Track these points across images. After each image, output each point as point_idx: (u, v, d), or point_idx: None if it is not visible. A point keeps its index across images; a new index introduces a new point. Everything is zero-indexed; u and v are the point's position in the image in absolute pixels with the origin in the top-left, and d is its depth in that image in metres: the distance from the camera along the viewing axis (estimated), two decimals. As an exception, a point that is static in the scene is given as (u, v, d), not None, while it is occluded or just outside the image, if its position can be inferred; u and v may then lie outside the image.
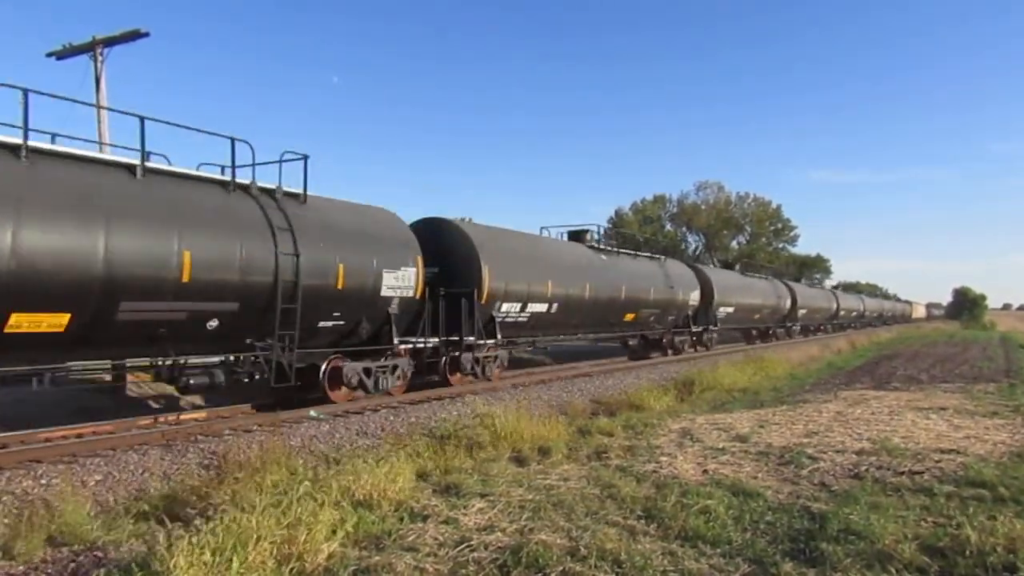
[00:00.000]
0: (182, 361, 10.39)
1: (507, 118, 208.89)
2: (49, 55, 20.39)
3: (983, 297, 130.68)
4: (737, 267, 40.65)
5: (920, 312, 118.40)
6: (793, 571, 5.10)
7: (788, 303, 41.03)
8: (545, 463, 8.70)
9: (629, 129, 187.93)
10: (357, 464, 7.44)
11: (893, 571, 5.03)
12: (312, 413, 11.81)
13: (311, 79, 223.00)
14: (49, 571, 5.56)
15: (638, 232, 64.29)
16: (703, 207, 72.21)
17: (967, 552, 5.27)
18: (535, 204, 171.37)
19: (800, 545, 5.68)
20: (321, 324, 12.02)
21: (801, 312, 43.57)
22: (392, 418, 11.79)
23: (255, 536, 5.01)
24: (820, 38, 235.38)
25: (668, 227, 72.43)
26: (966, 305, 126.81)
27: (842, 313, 49.66)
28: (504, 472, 8.10)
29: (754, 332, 39.09)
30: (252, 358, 11.10)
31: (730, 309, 31.44)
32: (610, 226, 68.24)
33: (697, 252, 69.87)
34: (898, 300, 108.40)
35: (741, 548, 5.61)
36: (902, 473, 8.11)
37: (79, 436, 9.82)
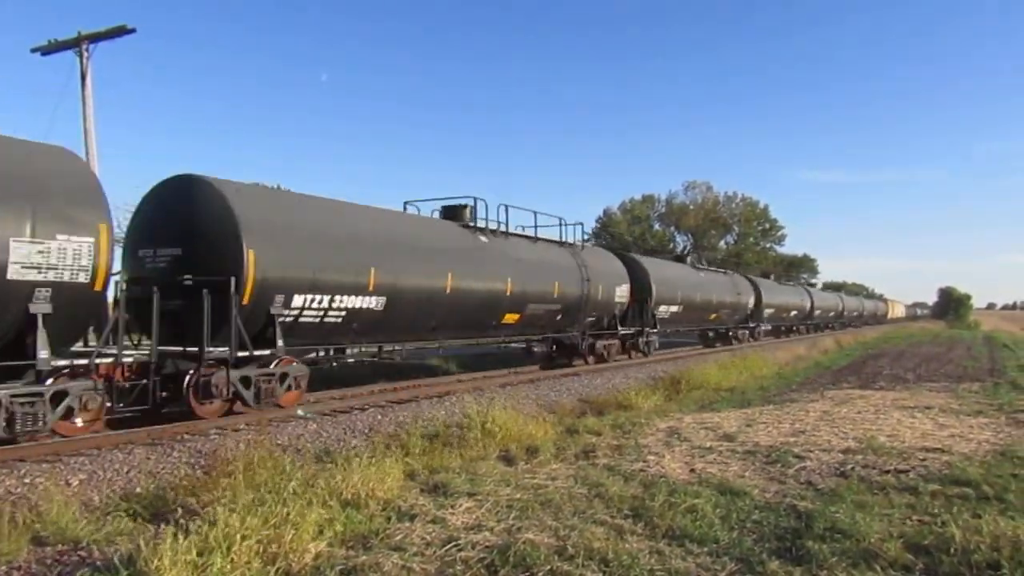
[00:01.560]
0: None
1: (504, 118, 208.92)
2: (34, 50, 20.24)
3: (968, 297, 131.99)
4: (688, 259, 32.85)
5: (899, 311, 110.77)
6: (779, 570, 5.11)
7: (752, 301, 36.60)
8: (533, 462, 8.69)
9: (621, 129, 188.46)
10: (344, 463, 7.42)
11: (878, 569, 5.05)
12: (300, 412, 11.75)
13: (300, 77, 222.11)
14: (33, 571, 5.50)
15: (625, 230, 64.44)
16: (691, 207, 72.47)
17: (952, 550, 5.30)
18: (526, 202, 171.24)
19: (787, 544, 5.70)
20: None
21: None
22: (380, 417, 11.76)
23: (240, 536, 4.99)
24: (814, 38, 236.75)
25: (656, 227, 72.66)
26: (951, 305, 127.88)
27: (768, 312, 38.88)
28: (492, 471, 8.09)
29: (711, 334, 34.62)
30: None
31: (675, 308, 26.85)
32: (597, 224, 68.34)
33: (685, 252, 70.08)
34: (868, 297, 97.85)
35: (728, 547, 5.62)
36: (888, 472, 8.16)
37: (64, 435, 9.72)
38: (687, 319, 28.90)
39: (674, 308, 26.74)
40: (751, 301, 36.40)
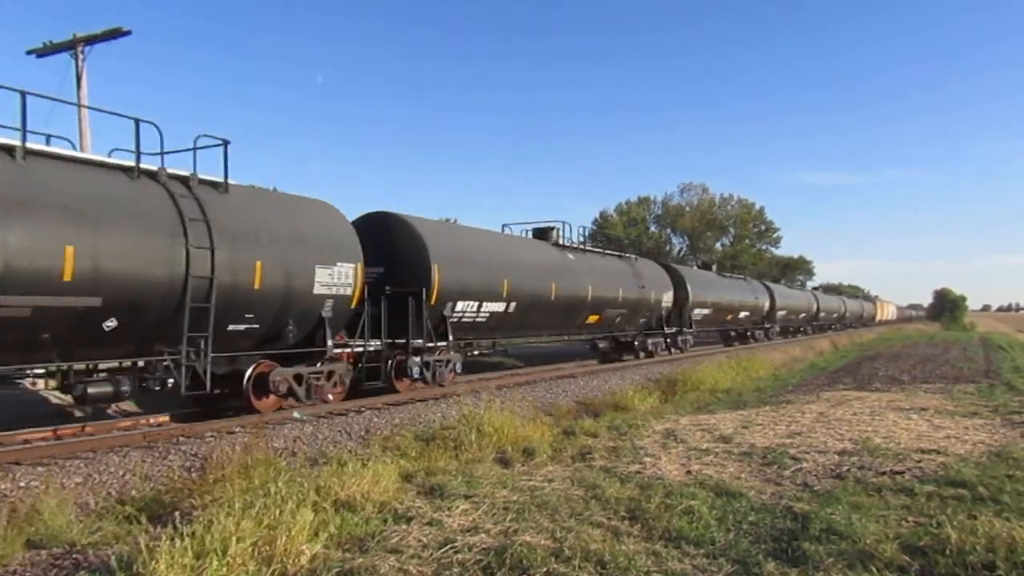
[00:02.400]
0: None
1: (501, 119, 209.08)
2: (29, 52, 20.21)
3: (963, 299, 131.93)
4: (554, 234, 22.48)
5: (889, 313, 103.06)
6: (776, 571, 5.12)
7: (668, 298, 27.12)
8: (529, 464, 8.69)
9: (617, 130, 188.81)
10: (340, 466, 7.41)
11: (874, 570, 5.06)
12: (296, 414, 11.74)
13: (295, 79, 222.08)
14: (27, 574, 5.49)
15: (622, 232, 64.61)
16: (687, 209, 72.64)
17: (947, 551, 5.31)
18: (521, 205, 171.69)
19: (783, 545, 5.71)
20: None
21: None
22: (376, 419, 11.75)
23: (235, 538, 4.98)
24: (811, 39, 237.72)
25: (653, 229, 72.81)
26: (946, 306, 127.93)
27: (701, 313, 29.64)
28: (488, 473, 8.08)
29: (601, 345, 25.57)
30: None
31: (497, 306, 18.27)
32: (593, 226, 68.44)
33: (681, 254, 70.16)
34: (853, 296, 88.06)
35: (724, 548, 5.62)
36: (883, 473, 8.17)
37: (59, 438, 9.71)
38: (531, 324, 18.54)
39: (495, 306, 16.53)
40: (667, 298, 25.63)
